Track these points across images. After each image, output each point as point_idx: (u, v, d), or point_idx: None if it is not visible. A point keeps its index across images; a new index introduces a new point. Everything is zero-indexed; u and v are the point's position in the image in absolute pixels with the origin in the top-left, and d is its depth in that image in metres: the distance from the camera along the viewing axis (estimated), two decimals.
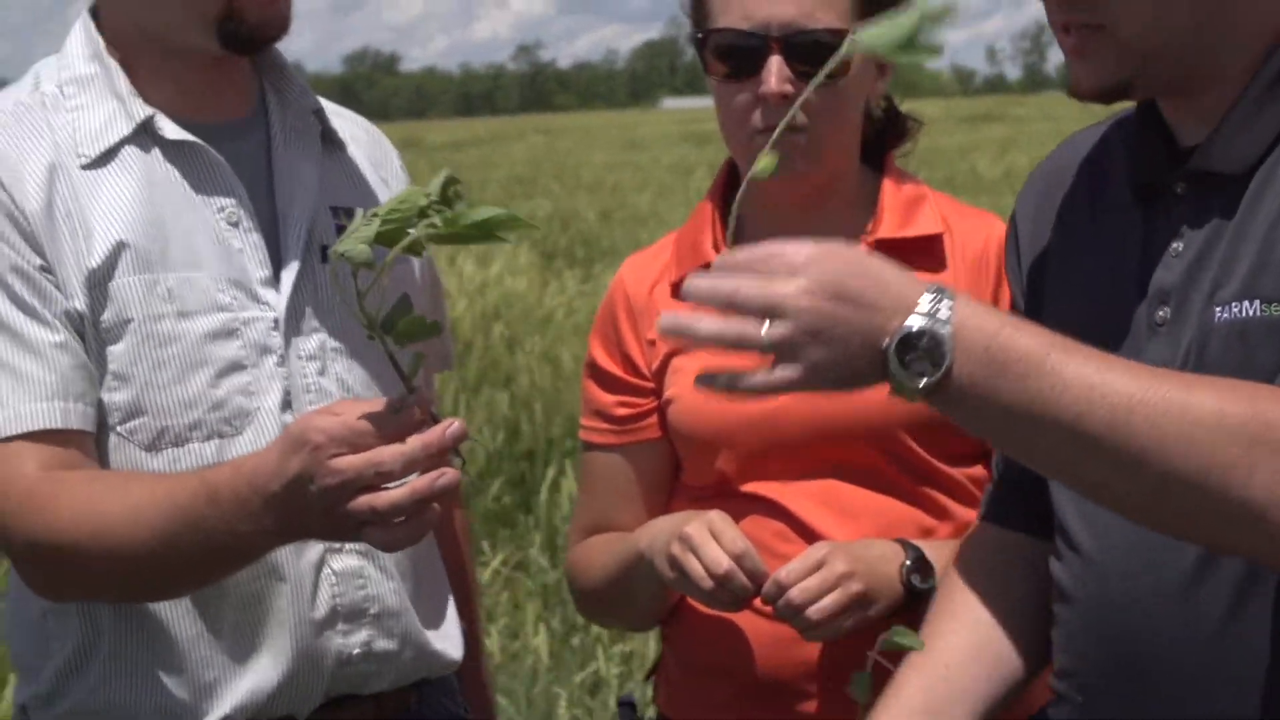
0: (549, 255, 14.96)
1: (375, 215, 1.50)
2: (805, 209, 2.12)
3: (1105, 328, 1.65)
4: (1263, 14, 1.59)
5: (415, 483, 1.56)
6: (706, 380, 1.41)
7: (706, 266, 2.12)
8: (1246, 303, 1.52)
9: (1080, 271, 1.73)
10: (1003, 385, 1.37)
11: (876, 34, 1.35)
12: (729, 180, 2.21)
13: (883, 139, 2.21)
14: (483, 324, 9.79)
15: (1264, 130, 1.57)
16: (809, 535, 2.01)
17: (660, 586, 2.03)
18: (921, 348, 1.36)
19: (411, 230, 1.50)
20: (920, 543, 1.98)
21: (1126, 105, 1.73)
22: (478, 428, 7.15)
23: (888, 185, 2.14)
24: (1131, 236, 1.67)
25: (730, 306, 1.37)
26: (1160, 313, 1.61)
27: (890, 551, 1.96)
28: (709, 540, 1.93)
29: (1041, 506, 1.76)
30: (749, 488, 2.03)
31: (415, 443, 1.55)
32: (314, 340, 2.01)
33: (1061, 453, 1.40)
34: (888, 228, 2.09)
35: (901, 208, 2.10)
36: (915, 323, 1.36)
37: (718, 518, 1.95)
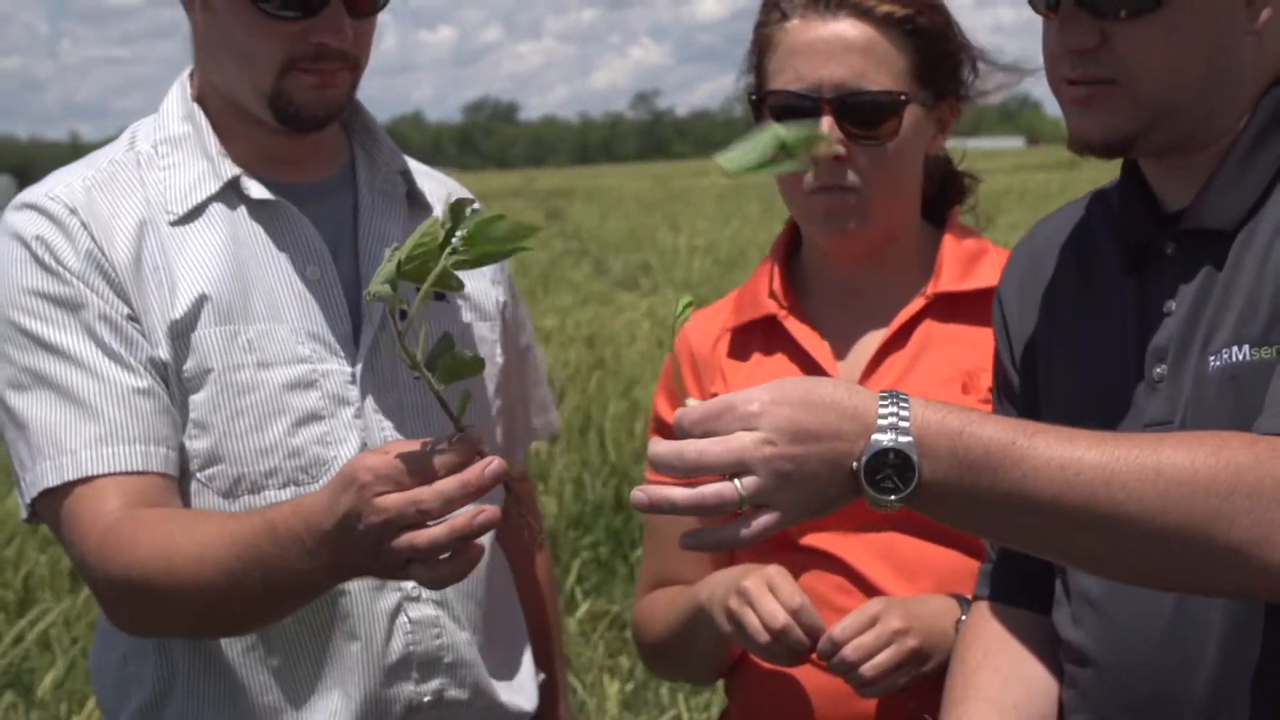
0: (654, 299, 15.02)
1: (397, 250, 1.51)
2: (864, 266, 2.16)
3: (1106, 393, 1.68)
4: (1254, 78, 1.65)
5: (454, 521, 1.57)
6: (694, 540, 1.45)
7: (765, 320, 2.17)
8: (1236, 348, 1.56)
9: (1077, 342, 1.75)
10: (976, 480, 1.39)
11: (732, 158, 1.41)
12: (791, 239, 2.25)
13: (945, 195, 2.24)
14: (583, 375, 9.86)
15: (1251, 186, 1.62)
16: (868, 589, 2.02)
17: (720, 640, 2.05)
18: (890, 464, 1.38)
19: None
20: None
21: (1099, 184, 1.78)
22: (576, 476, 7.19)
23: (948, 241, 2.17)
24: (1126, 302, 1.70)
25: (696, 472, 1.40)
26: (1158, 370, 1.64)
27: (945, 607, 1.97)
28: (766, 594, 1.95)
29: (1045, 581, 1.77)
30: (808, 541, 2.05)
31: (453, 481, 1.56)
32: (390, 396, 2.06)
33: (1046, 533, 1.43)
34: (947, 281, 2.12)
35: (962, 262, 2.13)
36: (879, 440, 1.38)
37: (775, 572, 1.97)
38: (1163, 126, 1.64)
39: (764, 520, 1.40)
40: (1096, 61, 1.63)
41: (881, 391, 1.43)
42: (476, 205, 1.53)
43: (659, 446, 1.43)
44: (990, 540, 1.55)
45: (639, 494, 1.43)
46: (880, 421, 1.39)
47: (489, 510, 1.57)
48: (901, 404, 1.41)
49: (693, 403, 1.45)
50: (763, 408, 1.40)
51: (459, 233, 1.49)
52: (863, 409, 1.40)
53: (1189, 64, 1.61)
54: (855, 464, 1.39)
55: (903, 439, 1.38)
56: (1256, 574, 1.40)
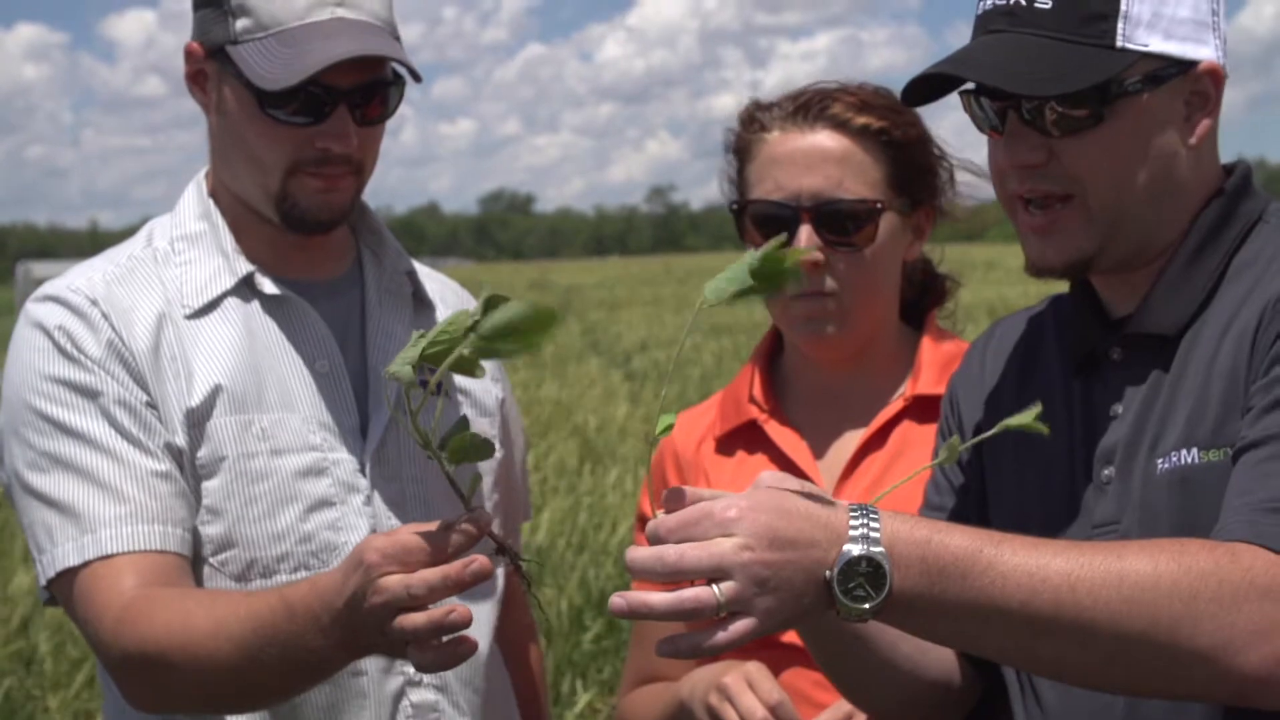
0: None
1: (423, 336, 1.53)
2: (844, 368, 2.23)
3: (1054, 493, 1.73)
4: (1194, 189, 1.72)
5: (432, 613, 1.58)
6: (670, 647, 1.45)
7: (747, 424, 2.23)
8: (1185, 451, 1.61)
9: (1023, 442, 1.78)
10: (946, 589, 1.42)
11: (716, 288, 1.46)
12: (773, 342, 2.32)
13: (924, 299, 2.31)
14: (590, 464, 9.91)
15: (1193, 291, 1.68)
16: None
17: None
18: (861, 572, 1.41)
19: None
20: None
21: (1058, 288, 1.82)
22: (586, 563, 7.22)
23: (926, 343, 2.23)
24: (1072, 404, 1.75)
25: (676, 577, 1.41)
26: (1106, 471, 1.69)
27: None
28: (745, 690, 1.98)
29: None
30: (788, 637, 2.07)
31: (436, 572, 1.57)
32: (394, 488, 2.12)
33: (1013, 639, 1.45)
34: (925, 384, 2.18)
35: (940, 365, 2.18)
36: (852, 549, 1.41)
37: (755, 669, 2.00)
38: (1117, 241, 1.69)
39: (740, 627, 1.40)
40: (1045, 176, 1.69)
41: (850, 504, 1.46)
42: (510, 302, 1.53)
43: (637, 553, 1.43)
44: (956, 647, 1.56)
45: (618, 600, 1.43)
46: (852, 532, 1.42)
47: (460, 609, 1.58)
48: (871, 516, 1.43)
49: (662, 514, 1.46)
50: (740, 514, 1.41)
51: (484, 324, 1.50)
52: (835, 520, 1.43)
53: (1134, 176, 1.67)
54: (828, 573, 1.41)
55: (874, 549, 1.41)
56: (1221, 677, 1.42)
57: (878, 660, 1.73)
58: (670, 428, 1.51)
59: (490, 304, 1.51)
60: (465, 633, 1.60)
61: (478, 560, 1.57)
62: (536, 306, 1.48)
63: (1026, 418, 1.58)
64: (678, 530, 1.43)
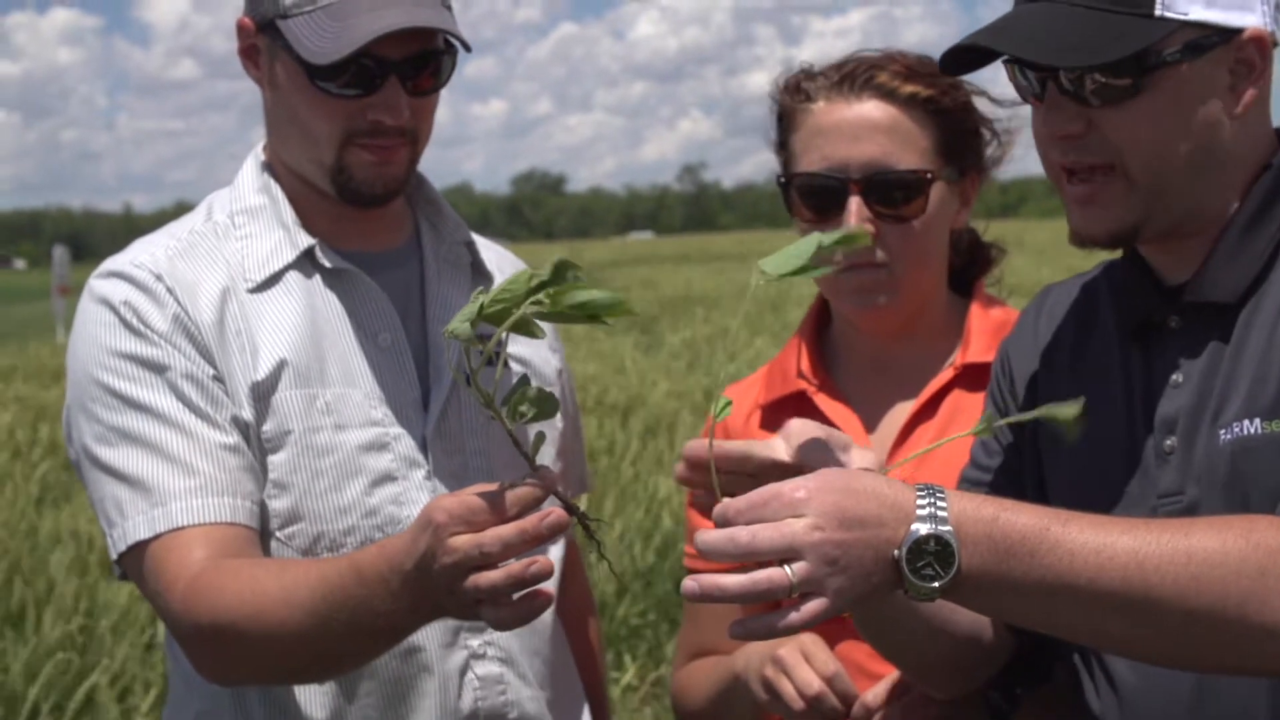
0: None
1: (483, 292, 1.52)
2: (893, 339, 2.22)
3: (1115, 462, 1.73)
4: (1243, 158, 1.70)
5: (510, 567, 1.58)
6: (743, 630, 1.45)
7: (795, 395, 2.23)
8: (1247, 422, 1.60)
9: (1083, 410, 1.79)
10: (1013, 567, 1.43)
11: (774, 263, 1.47)
12: (820, 313, 2.31)
13: (971, 267, 2.30)
14: (638, 442, 9.92)
15: (1252, 259, 1.67)
16: None
17: (757, 708, 2.07)
18: (930, 551, 1.42)
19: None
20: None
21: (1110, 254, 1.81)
22: (629, 544, 7.24)
23: (975, 311, 2.22)
24: (1131, 372, 1.74)
25: (749, 557, 1.41)
26: (1168, 441, 1.68)
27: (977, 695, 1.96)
28: (801, 663, 1.98)
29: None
30: None
31: (513, 528, 1.57)
32: (456, 460, 2.13)
33: (1083, 617, 1.46)
34: (975, 352, 2.17)
35: (989, 332, 2.17)
36: (920, 528, 1.42)
37: (810, 640, 2.01)
38: (1160, 211, 1.68)
39: (812, 607, 1.41)
40: (1086, 147, 1.68)
41: (917, 485, 1.46)
42: (580, 272, 1.54)
43: (709, 535, 1.43)
44: (1025, 625, 1.54)
45: (690, 584, 1.43)
46: (919, 511, 1.43)
47: (541, 560, 1.58)
48: (938, 495, 1.44)
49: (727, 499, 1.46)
50: (809, 494, 1.42)
51: (565, 297, 1.49)
52: (902, 500, 1.44)
53: (1175, 146, 1.65)
54: (897, 552, 1.42)
55: (942, 528, 1.42)
56: None
57: (908, 617, 1.73)
58: (729, 407, 1.51)
59: (560, 268, 1.50)
60: (538, 586, 1.60)
61: (554, 512, 1.57)
62: (617, 299, 1.48)
63: (1070, 411, 1.58)
64: (747, 512, 1.43)
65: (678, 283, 33.81)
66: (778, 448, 1.64)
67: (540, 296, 1.49)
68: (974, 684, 1.88)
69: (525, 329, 1.53)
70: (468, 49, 2.12)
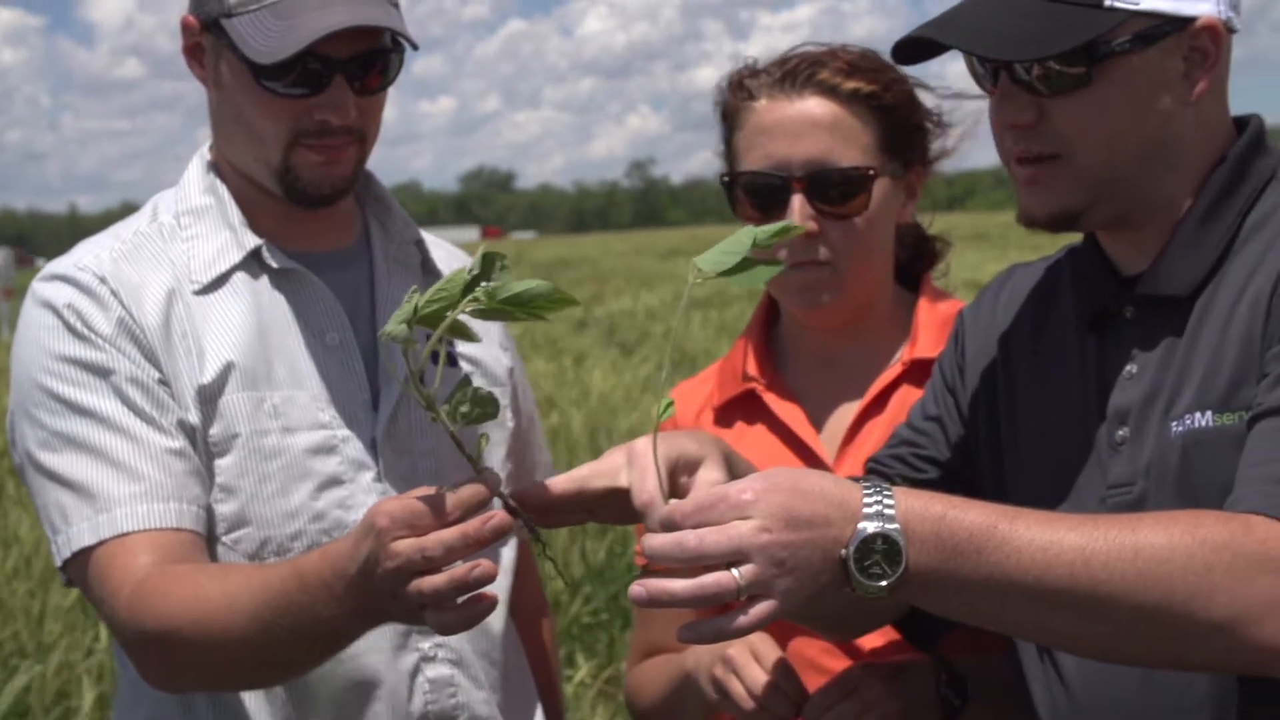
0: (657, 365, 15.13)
1: (416, 292, 1.50)
2: (841, 336, 2.23)
3: (1068, 450, 1.74)
4: (1199, 147, 1.70)
5: (453, 571, 1.56)
6: (692, 633, 1.45)
7: (745, 394, 2.22)
8: (1199, 414, 1.61)
9: (1037, 394, 1.81)
10: (960, 564, 1.43)
11: (712, 261, 1.44)
12: (768, 311, 2.31)
13: (918, 261, 2.30)
14: (594, 438, 9.92)
15: (1205, 253, 1.67)
16: (854, 652, 2.06)
17: (708, 707, 2.07)
18: (877, 550, 1.41)
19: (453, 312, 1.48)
20: (959, 659, 1.99)
21: (1074, 238, 1.82)
22: (580, 542, 7.24)
23: (923, 305, 2.23)
24: (1086, 360, 1.75)
25: (696, 562, 1.40)
26: (1120, 432, 1.69)
27: (927, 669, 1.98)
28: (750, 662, 1.98)
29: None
30: None
31: (455, 531, 1.55)
32: (405, 462, 2.12)
33: (1030, 614, 1.46)
34: (923, 348, 2.17)
35: (937, 328, 2.17)
36: (867, 527, 1.42)
37: (759, 640, 2.00)
38: (1106, 199, 1.69)
39: (760, 609, 1.41)
40: (1038, 137, 1.68)
41: (864, 483, 1.46)
42: (506, 261, 1.53)
43: (656, 539, 1.43)
44: (973, 622, 1.54)
45: (637, 588, 1.43)
46: (866, 510, 1.42)
47: (485, 564, 1.56)
48: (885, 493, 1.44)
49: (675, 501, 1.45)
50: (756, 495, 1.41)
51: (484, 284, 1.48)
52: (849, 498, 1.43)
53: (1126, 136, 1.66)
54: (844, 551, 1.42)
55: (889, 526, 1.42)
56: (1236, 649, 1.43)
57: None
58: (671, 407, 1.50)
59: (487, 261, 1.48)
60: (483, 589, 1.59)
61: (497, 515, 1.56)
62: (557, 291, 1.46)
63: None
64: (694, 515, 1.43)
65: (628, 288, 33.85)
66: (619, 475, 1.61)
67: (477, 294, 1.47)
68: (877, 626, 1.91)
69: (461, 333, 1.52)
70: (415, 47, 2.11)
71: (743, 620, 1.41)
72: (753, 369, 2.25)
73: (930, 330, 2.19)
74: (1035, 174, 1.70)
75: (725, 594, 1.40)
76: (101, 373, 2.01)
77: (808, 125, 2.11)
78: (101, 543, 1.94)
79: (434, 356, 1.51)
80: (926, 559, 1.43)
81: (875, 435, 2.14)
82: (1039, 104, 1.67)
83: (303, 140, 2.06)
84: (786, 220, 2.06)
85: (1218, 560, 1.42)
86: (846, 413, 2.20)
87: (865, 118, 2.12)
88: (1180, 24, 1.65)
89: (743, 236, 1.47)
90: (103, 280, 2.05)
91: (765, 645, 2.00)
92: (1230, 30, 1.69)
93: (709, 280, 1.46)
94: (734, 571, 1.39)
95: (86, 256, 2.09)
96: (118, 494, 1.95)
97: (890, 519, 1.42)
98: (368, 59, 2.07)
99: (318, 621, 1.73)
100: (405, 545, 1.56)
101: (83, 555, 1.96)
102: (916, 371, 2.17)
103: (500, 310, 1.48)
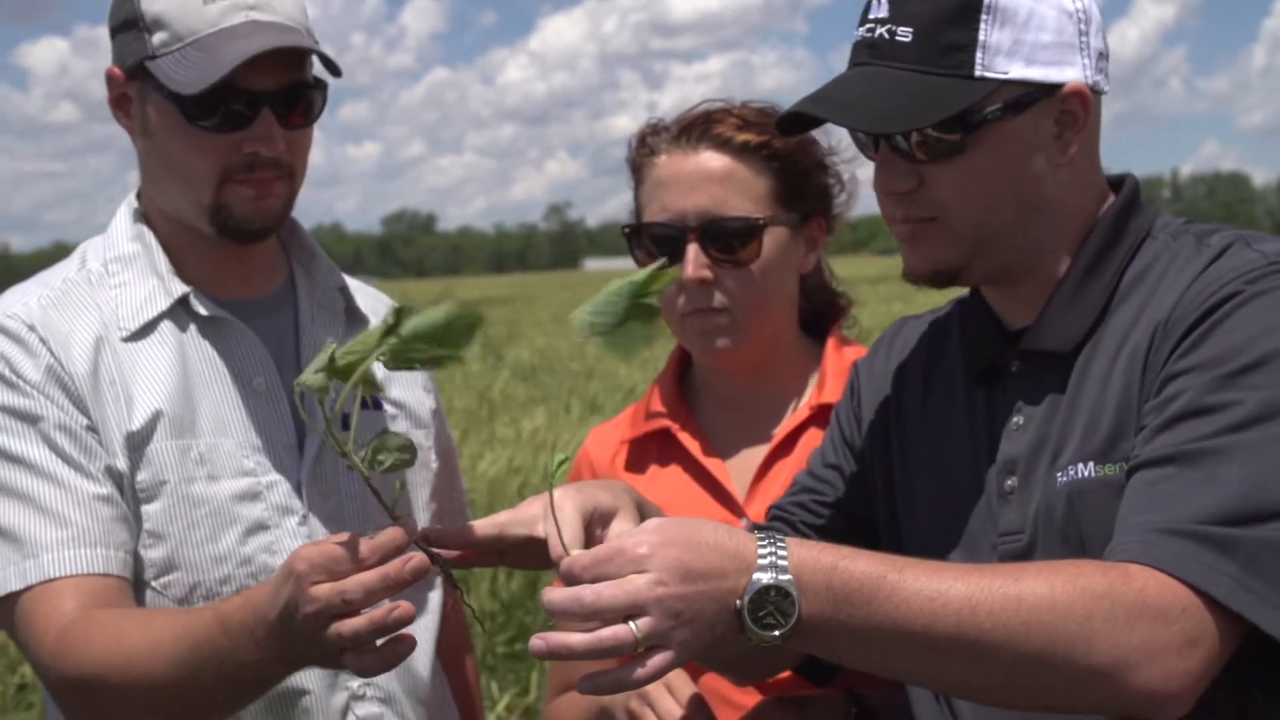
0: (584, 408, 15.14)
1: (332, 345, 1.52)
2: (749, 379, 2.29)
3: (960, 498, 1.79)
4: (1074, 205, 1.76)
5: (373, 614, 1.57)
6: (590, 685, 1.47)
7: (659, 433, 2.29)
8: (1081, 465, 1.66)
9: (929, 446, 1.85)
10: (851, 614, 1.46)
11: (591, 320, 1.47)
12: (684, 354, 2.37)
13: (828, 311, 2.36)
14: (507, 473, 9.95)
15: (1085, 311, 1.72)
16: (766, 686, 2.09)
17: None
18: (771, 601, 1.44)
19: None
20: (869, 692, 2.03)
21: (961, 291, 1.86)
22: (495, 575, 7.25)
23: (830, 351, 2.29)
24: (975, 411, 1.81)
25: (594, 616, 1.43)
26: (1009, 481, 1.75)
27: (837, 702, 2.03)
28: (665, 695, 2.03)
29: None
30: None
31: (374, 574, 1.57)
32: (332, 503, 2.15)
33: (919, 661, 1.49)
34: (830, 393, 2.23)
35: (843, 373, 2.20)
36: (761, 578, 1.45)
37: (674, 674, 2.03)
38: (983, 256, 1.73)
39: (658, 660, 1.43)
40: (916, 202, 1.73)
41: (759, 534, 1.49)
42: (418, 312, 1.53)
43: (555, 594, 1.45)
44: (863, 669, 1.56)
45: (538, 643, 1.44)
46: (760, 561, 1.45)
47: (403, 605, 1.57)
48: (779, 544, 1.46)
49: (576, 551, 1.49)
50: (651, 549, 1.44)
51: (395, 335, 1.49)
52: (744, 549, 1.46)
53: (1001, 198, 1.70)
54: (739, 602, 1.44)
55: (782, 577, 1.44)
56: (1116, 695, 1.47)
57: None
58: (566, 463, 1.53)
59: (400, 314, 1.50)
60: (402, 631, 1.60)
61: (415, 557, 1.58)
62: (460, 310, 1.48)
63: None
64: (591, 568, 1.46)
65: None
66: (537, 525, 1.65)
67: (384, 347, 1.49)
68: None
69: (371, 385, 1.54)
70: (337, 73, 2.13)
71: (641, 672, 1.43)
72: (665, 408, 2.30)
73: (838, 376, 2.23)
74: (914, 232, 1.74)
75: (622, 647, 1.43)
76: (30, 420, 2.02)
77: (701, 178, 2.18)
78: (28, 588, 1.95)
79: (355, 404, 1.53)
80: (819, 609, 1.46)
81: (783, 476, 2.18)
82: (918, 171, 1.72)
83: (233, 176, 2.08)
84: (684, 270, 2.15)
85: (1097, 608, 1.45)
86: (755, 454, 2.25)
87: (759, 169, 2.19)
88: (1049, 90, 1.70)
89: (619, 287, 1.49)
90: (31, 328, 2.06)
91: (679, 679, 2.04)
92: (1098, 93, 1.75)
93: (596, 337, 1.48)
94: (631, 625, 1.42)
95: (16, 304, 2.10)
96: (45, 540, 1.96)
97: (783, 570, 1.45)
98: (293, 93, 2.10)
99: (241, 666, 1.74)
100: (324, 590, 1.58)
101: (10, 600, 1.97)
102: (823, 415, 2.21)
103: (414, 359, 1.50)
